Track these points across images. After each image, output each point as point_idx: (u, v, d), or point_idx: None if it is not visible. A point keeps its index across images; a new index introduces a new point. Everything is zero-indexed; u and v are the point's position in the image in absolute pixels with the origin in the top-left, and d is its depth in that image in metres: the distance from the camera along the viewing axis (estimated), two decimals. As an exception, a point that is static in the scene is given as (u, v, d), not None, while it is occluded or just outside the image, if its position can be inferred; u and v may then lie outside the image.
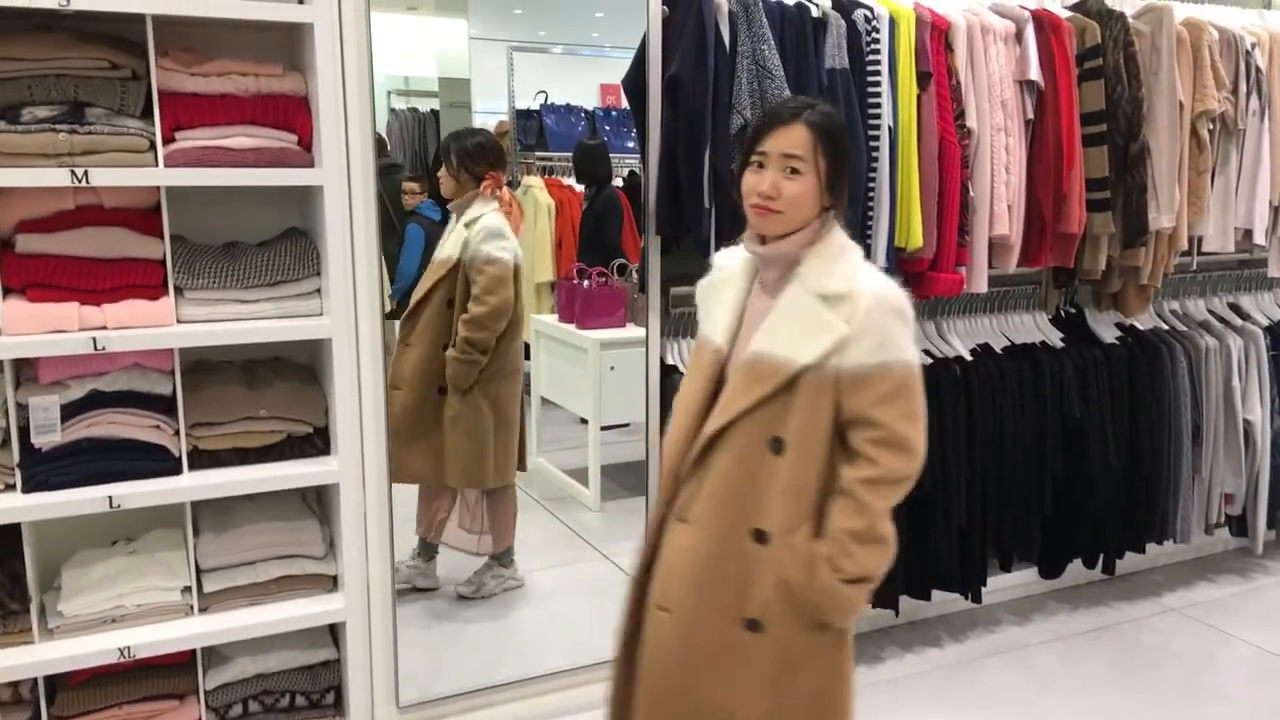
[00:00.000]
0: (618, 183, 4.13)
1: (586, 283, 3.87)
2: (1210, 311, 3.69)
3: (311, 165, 2.32)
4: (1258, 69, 3.40)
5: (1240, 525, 3.68)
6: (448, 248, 3.02)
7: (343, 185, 2.33)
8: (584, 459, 4.00)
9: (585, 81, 4.33)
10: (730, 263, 1.80)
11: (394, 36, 3.44)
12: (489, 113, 4.00)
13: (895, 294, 1.61)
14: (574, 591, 3.45)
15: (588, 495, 4.00)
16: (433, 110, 3.85)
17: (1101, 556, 3.42)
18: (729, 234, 2.65)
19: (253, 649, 2.43)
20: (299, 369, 2.56)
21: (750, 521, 1.64)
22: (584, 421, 4.02)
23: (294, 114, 2.34)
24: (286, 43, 2.40)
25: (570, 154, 4.10)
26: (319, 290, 2.40)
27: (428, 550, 3.24)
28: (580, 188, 4.11)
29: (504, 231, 2.95)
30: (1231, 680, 2.93)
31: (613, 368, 3.85)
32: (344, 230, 2.34)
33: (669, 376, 2.84)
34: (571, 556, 3.73)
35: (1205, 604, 3.43)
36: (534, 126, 4.15)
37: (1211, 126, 3.32)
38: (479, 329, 2.89)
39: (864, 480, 1.59)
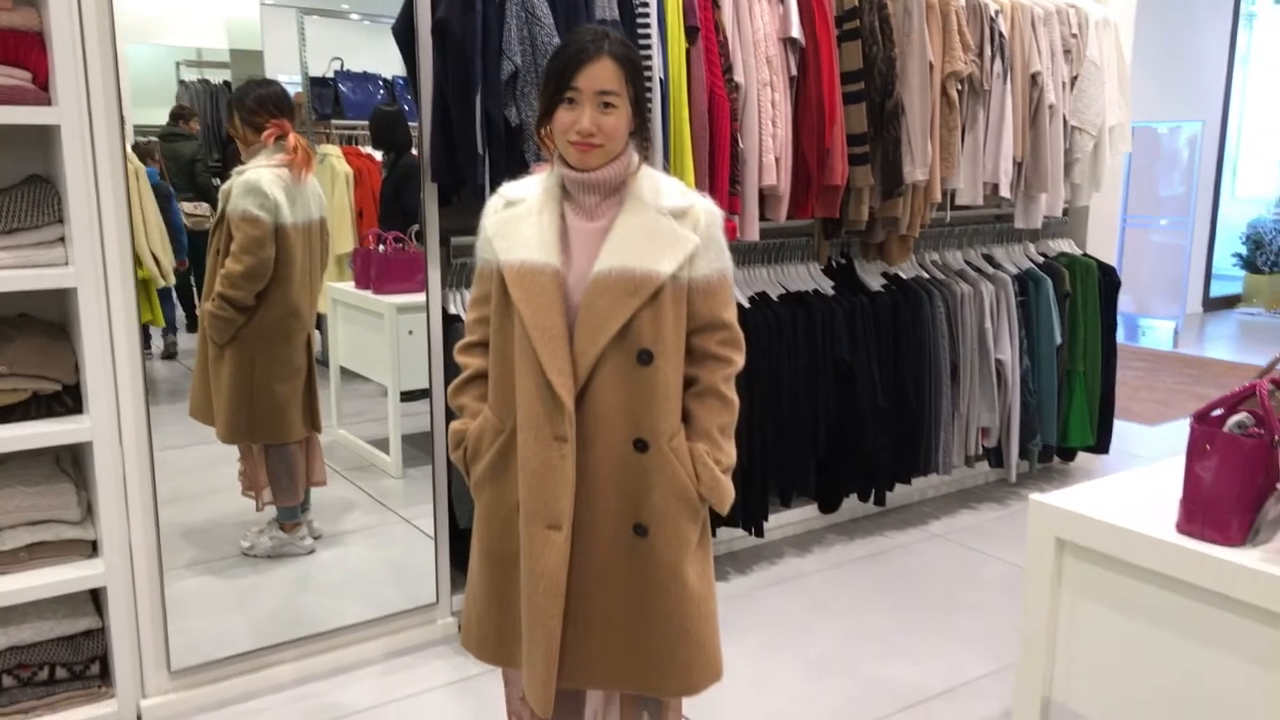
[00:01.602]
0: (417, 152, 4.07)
1: (383, 248, 3.81)
2: (966, 262, 3.99)
3: (48, 104, 2.19)
4: (1001, 35, 3.69)
5: (997, 457, 4.01)
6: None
7: (82, 125, 2.20)
8: (386, 430, 3.94)
9: (382, 49, 4.22)
10: (525, 193, 1.81)
11: (184, 6, 3.30)
12: (283, 84, 3.86)
13: (716, 207, 1.77)
14: (373, 552, 3.41)
15: (389, 462, 3.94)
16: (225, 82, 3.69)
17: (874, 490, 3.67)
18: (503, 180, 2.67)
19: (4, 620, 2.29)
20: (47, 325, 2.42)
21: (630, 433, 1.70)
22: (384, 394, 3.96)
23: (27, 51, 2.20)
24: (15, -26, 2.25)
25: (367, 122, 4.01)
26: (62, 239, 2.27)
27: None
28: (380, 156, 4.03)
29: (262, 188, 2.87)
30: (985, 593, 3.21)
31: (410, 332, 3.80)
32: (86, 173, 2.22)
33: (451, 326, 2.85)
34: (372, 521, 3.68)
35: (966, 529, 3.73)
36: (330, 95, 4.03)
37: (960, 87, 3.58)
38: (231, 286, 2.83)
39: (725, 378, 1.76)
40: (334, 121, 4.03)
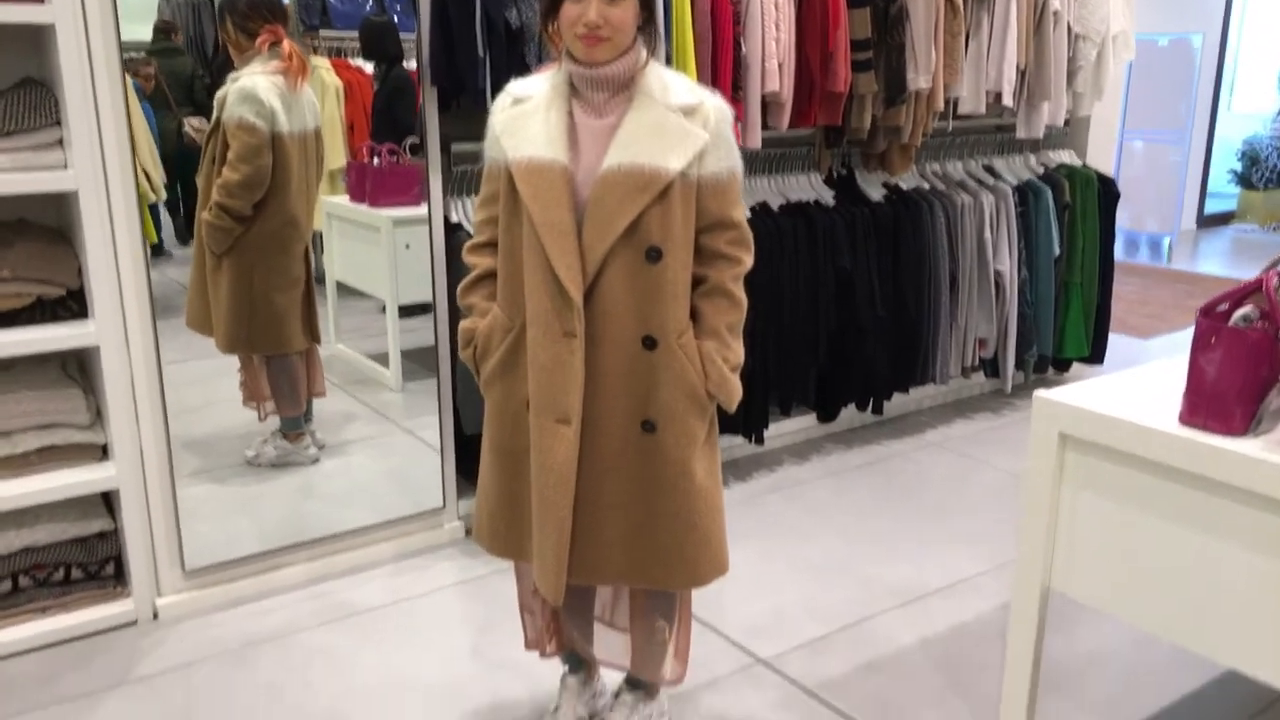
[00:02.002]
0: (410, 65, 4.00)
1: (377, 160, 3.76)
2: (967, 172, 3.97)
3: (40, 1, 2.14)
4: (1006, -62, 3.62)
5: (993, 367, 4.05)
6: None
7: (77, 24, 2.16)
8: (384, 345, 3.95)
9: (371, -45, 4.12)
10: (532, 90, 1.77)
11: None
12: None
13: (725, 104, 1.75)
14: (376, 462, 3.45)
15: (388, 376, 3.96)
16: None
17: (871, 400, 3.71)
18: (505, 83, 2.63)
19: (17, 522, 2.33)
20: (46, 230, 2.40)
21: (639, 330, 1.70)
22: (382, 311, 3.96)
23: (16, -55, 2.14)
24: None
25: (357, 33, 3.92)
26: (61, 141, 2.24)
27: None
28: (370, 68, 3.95)
29: (258, 95, 2.82)
30: (980, 498, 3.27)
31: (408, 246, 3.79)
32: (83, 74, 2.18)
33: (453, 234, 2.83)
34: (374, 432, 3.71)
35: (961, 437, 3.79)
36: (317, 5, 3.94)
37: (964, -9, 3.52)
38: (229, 195, 2.79)
39: (733, 277, 1.76)
40: (322, 33, 3.95)
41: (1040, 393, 1.91)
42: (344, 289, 4.01)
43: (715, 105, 1.72)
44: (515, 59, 2.63)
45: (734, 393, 1.78)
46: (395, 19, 4.12)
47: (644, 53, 1.72)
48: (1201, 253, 7.73)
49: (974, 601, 2.62)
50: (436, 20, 2.59)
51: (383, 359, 3.97)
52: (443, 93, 2.71)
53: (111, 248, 2.27)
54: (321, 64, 3.86)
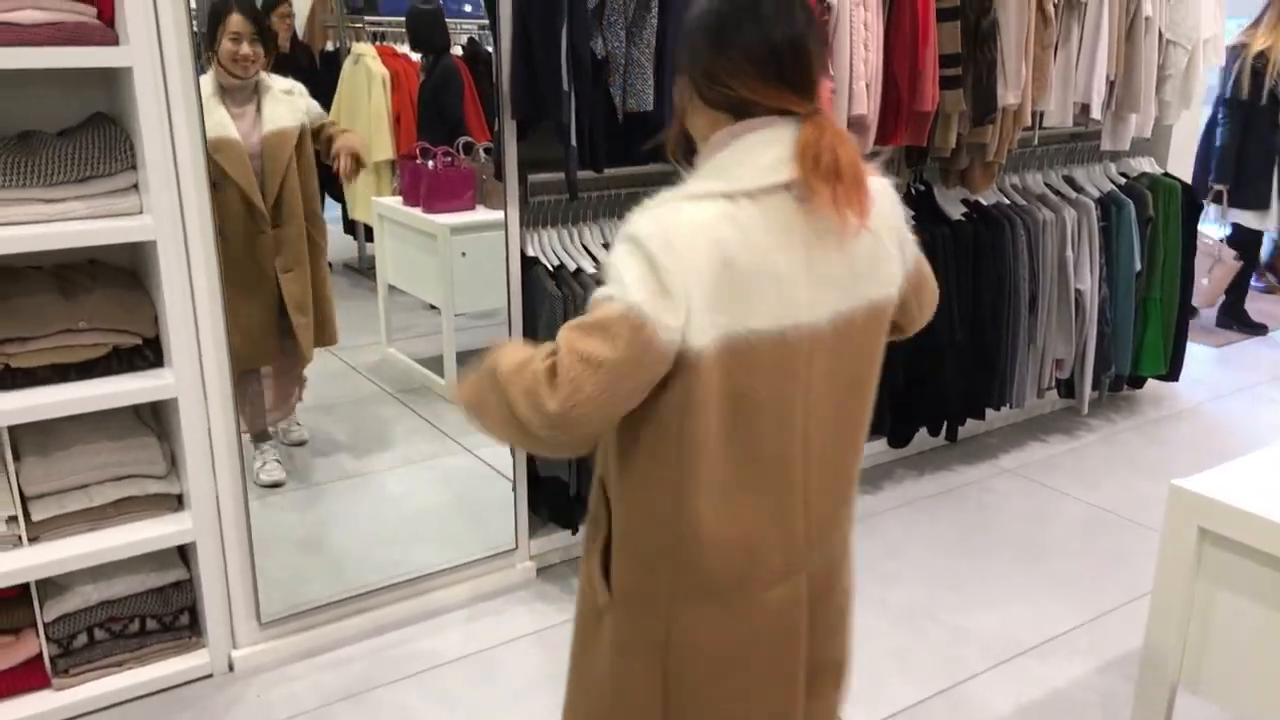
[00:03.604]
0: (457, 51, 3.87)
1: (431, 163, 3.66)
2: (1047, 184, 3.82)
3: (115, 43, 2.04)
4: (1100, -58, 3.43)
5: (1068, 387, 3.92)
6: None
7: (155, 66, 2.06)
8: (434, 346, 3.87)
9: (417, -60, 3.99)
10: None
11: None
12: None
13: None
14: (437, 487, 3.38)
15: (443, 385, 3.88)
16: None
17: (945, 424, 3.59)
18: (590, 120, 2.53)
19: (94, 576, 2.27)
20: (119, 273, 2.32)
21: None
22: (433, 307, 3.87)
23: (90, -19, 2.04)
24: (73, -104, 2.07)
25: (403, 19, 3.80)
26: (136, 185, 2.15)
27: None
28: (417, 57, 3.83)
29: None
30: (1060, 534, 3.17)
31: (464, 254, 3.70)
32: (160, 118, 2.08)
33: (529, 269, 2.73)
34: (433, 450, 3.64)
35: (1037, 463, 3.67)
36: (362, -12, 3.82)
37: (1057, 1, 3.35)
38: None
39: None
40: (366, 18, 3.83)
41: (1177, 482, 1.79)
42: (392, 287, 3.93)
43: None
44: (600, 92, 2.51)
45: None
46: (442, 3, 4.00)
47: None
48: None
49: (1070, 663, 2.52)
50: (519, 51, 2.46)
51: (433, 363, 3.90)
52: (521, 125, 2.59)
53: (189, 297, 2.19)
54: (367, 51, 3.75)
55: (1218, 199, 5.01)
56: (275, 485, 3.11)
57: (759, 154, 1.22)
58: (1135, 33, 3.61)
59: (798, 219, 1.22)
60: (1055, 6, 3.34)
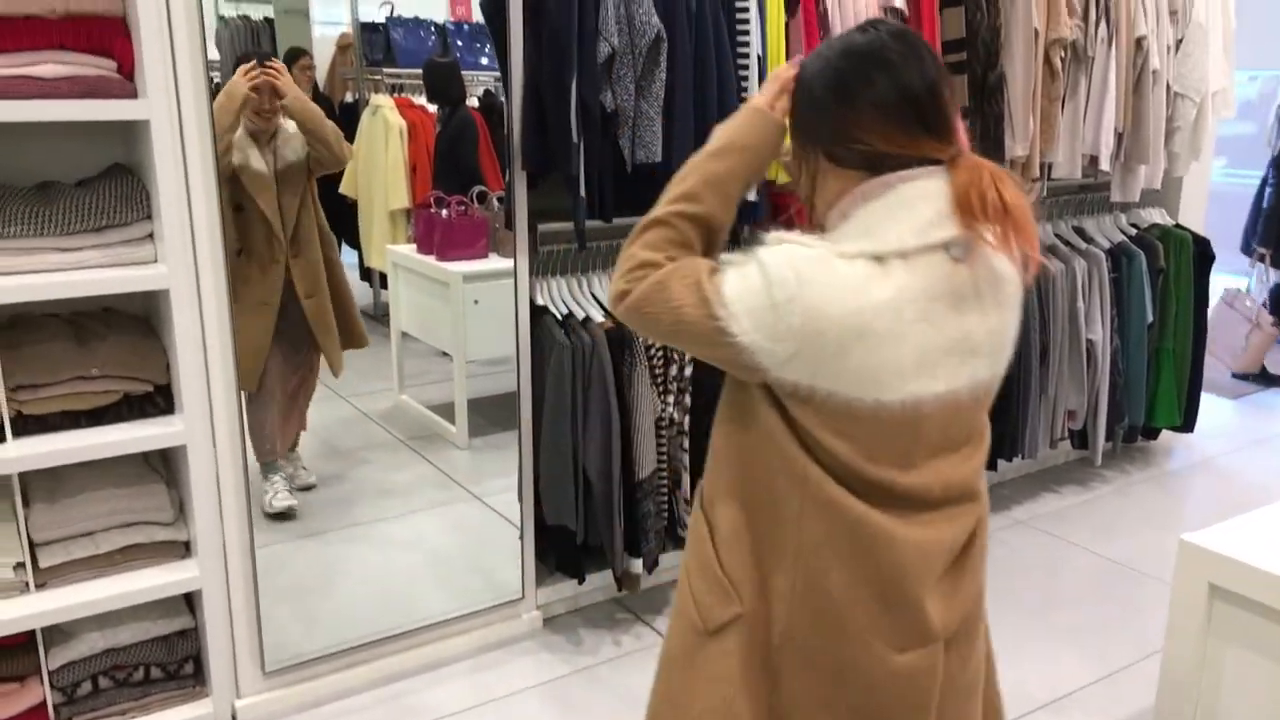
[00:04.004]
0: (472, 103, 3.94)
1: (445, 212, 3.70)
2: (1057, 236, 3.83)
3: (134, 96, 2.08)
4: (1106, -3, 3.47)
5: (1081, 438, 3.89)
6: None
7: (172, 118, 2.10)
8: (445, 393, 3.89)
9: (434, -6, 4.08)
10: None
11: (224, -63, 3.19)
12: (329, 23, 3.74)
13: None
14: (446, 535, 3.38)
15: (454, 432, 3.89)
16: (266, 18, 3.55)
17: (957, 475, 3.56)
18: (600, 171, 2.56)
19: (100, 623, 2.27)
20: (133, 320, 2.35)
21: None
22: (445, 354, 3.90)
23: (111, 37, 2.09)
24: (97, -45, 2.13)
25: (420, 71, 3.88)
26: (151, 235, 2.19)
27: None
28: (433, 108, 3.90)
29: None
30: (1073, 587, 3.13)
31: (476, 301, 3.73)
32: (176, 169, 2.12)
33: (539, 318, 2.75)
34: (442, 497, 3.64)
35: (1049, 515, 3.64)
36: (381, 41, 3.90)
37: (1064, 54, 3.38)
38: None
39: None
40: (385, 70, 3.90)
41: (1187, 538, 1.78)
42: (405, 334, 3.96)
43: None
44: (608, 144, 2.54)
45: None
46: (459, 56, 4.08)
47: None
48: None
49: (1084, 721, 2.49)
50: (529, 102, 2.50)
51: (444, 410, 3.91)
52: (531, 175, 2.62)
53: (201, 347, 2.21)
54: (385, 103, 3.82)
55: (1261, 260, 4.94)
56: (286, 512, 3.14)
57: (917, 209, 1.17)
58: (1143, 85, 3.64)
59: (947, 284, 1.18)
60: (1062, 59, 3.38)
